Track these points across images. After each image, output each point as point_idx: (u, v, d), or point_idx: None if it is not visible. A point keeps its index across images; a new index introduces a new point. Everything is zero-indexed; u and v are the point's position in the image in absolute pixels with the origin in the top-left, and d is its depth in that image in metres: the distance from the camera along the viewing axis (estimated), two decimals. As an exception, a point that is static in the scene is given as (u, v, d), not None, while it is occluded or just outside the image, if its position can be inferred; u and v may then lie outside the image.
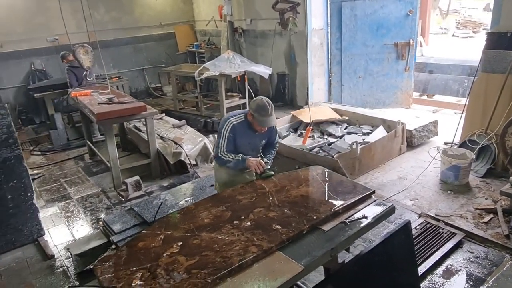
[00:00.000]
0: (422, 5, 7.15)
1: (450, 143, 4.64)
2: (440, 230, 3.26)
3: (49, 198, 4.43)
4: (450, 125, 5.00)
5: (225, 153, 2.84)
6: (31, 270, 3.18)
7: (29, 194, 3.45)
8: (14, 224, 3.41)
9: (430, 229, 3.30)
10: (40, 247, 3.44)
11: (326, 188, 2.47)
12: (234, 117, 2.87)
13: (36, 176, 4.97)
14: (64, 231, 3.74)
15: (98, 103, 4.51)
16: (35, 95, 6.11)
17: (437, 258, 2.92)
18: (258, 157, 2.96)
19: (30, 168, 5.02)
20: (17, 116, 7.26)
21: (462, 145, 4.33)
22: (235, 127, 2.82)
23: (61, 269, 3.17)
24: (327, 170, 2.75)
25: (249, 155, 2.92)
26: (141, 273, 1.76)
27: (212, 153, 2.87)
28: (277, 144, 3.20)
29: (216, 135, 4.00)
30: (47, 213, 4.06)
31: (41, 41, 7.42)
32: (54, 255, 3.33)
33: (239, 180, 2.95)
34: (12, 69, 7.25)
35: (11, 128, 3.32)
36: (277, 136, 3.20)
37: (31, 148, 6.09)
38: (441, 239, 3.14)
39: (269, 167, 2.84)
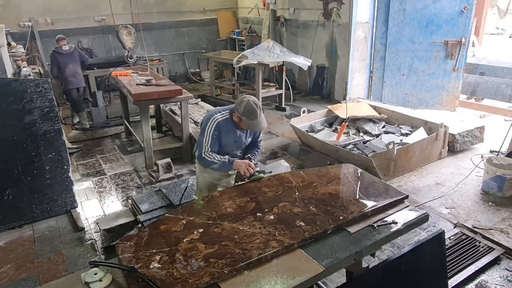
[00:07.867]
0: (478, 2, 6.67)
1: (496, 152, 4.33)
2: (477, 244, 3.05)
3: (84, 172, 4.61)
4: (498, 132, 4.68)
5: (210, 153, 2.63)
6: (62, 239, 3.32)
7: (65, 167, 3.60)
8: (50, 194, 3.57)
9: (465, 241, 3.10)
10: (72, 218, 3.58)
11: (357, 188, 2.37)
12: (219, 114, 2.65)
13: (74, 150, 5.18)
14: (96, 206, 3.87)
15: (136, 84, 4.59)
16: (79, 72, 6.32)
17: (470, 273, 2.75)
18: (247, 158, 2.74)
19: (70, 142, 5.24)
20: (63, 92, 7.57)
21: (510, 154, 4.02)
22: (220, 124, 2.62)
23: (89, 241, 3.29)
24: (359, 169, 2.63)
25: (234, 154, 2.76)
26: (159, 256, 1.76)
27: (198, 152, 2.68)
28: (261, 142, 2.96)
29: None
30: (81, 187, 4.22)
31: (89, 21, 7.68)
32: (84, 228, 3.45)
33: (223, 184, 2.84)
34: (60, 46, 7.55)
35: (53, 103, 3.45)
36: (261, 134, 2.96)
37: (73, 123, 6.34)
38: (477, 253, 2.95)
39: (258, 169, 2.61)
